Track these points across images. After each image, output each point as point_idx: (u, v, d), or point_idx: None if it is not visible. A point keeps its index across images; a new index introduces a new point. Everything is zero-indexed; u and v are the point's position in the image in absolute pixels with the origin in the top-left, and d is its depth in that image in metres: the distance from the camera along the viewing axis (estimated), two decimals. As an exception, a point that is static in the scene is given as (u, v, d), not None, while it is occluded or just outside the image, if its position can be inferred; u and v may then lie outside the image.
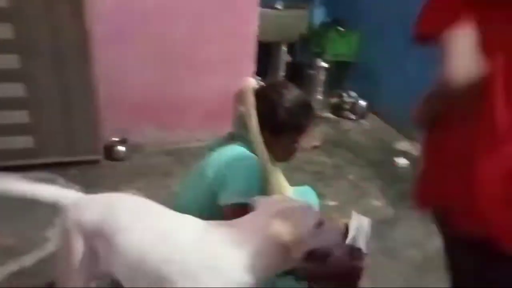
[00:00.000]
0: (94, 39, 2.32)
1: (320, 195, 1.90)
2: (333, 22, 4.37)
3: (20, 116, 2.31)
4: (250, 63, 2.92)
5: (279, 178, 1.38)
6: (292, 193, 1.47)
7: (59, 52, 2.27)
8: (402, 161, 2.97)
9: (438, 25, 0.99)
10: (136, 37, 2.64)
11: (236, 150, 1.33)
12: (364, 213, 2.27)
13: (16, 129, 2.35)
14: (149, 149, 2.79)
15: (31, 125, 2.35)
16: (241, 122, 1.35)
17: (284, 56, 4.73)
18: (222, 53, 2.85)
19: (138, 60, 2.71)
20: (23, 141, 2.37)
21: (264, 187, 1.31)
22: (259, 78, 3.57)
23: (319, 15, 4.69)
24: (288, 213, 1.06)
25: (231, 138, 1.40)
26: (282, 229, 1.01)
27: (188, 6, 2.67)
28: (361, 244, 1.33)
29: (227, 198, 1.25)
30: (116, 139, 2.71)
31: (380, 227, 2.20)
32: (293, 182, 1.85)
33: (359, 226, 1.40)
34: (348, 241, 1.32)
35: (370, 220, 1.43)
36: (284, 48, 4.71)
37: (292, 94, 1.35)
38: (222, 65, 2.88)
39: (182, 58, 2.80)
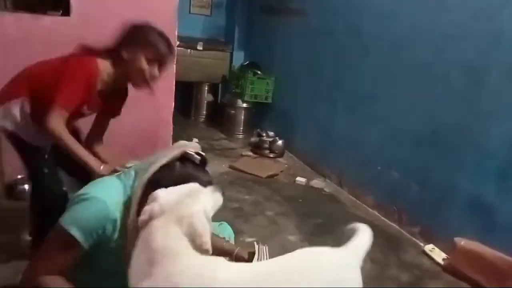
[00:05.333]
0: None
1: (239, 231, 1.93)
2: (251, 65, 4.61)
3: None
4: (169, 100, 2.93)
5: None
6: None
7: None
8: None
9: None
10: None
11: (104, 181, 1.27)
12: (280, 248, 2.36)
13: None
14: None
15: None
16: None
17: (206, 96, 4.84)
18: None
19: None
20: None
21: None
22: (182, 115, 3.59)
23: (238, 58, 4.93)
24: None
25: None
26: None
27: (103, 41, 2.63)
28: None
29: (67, 221, 1.16)
30: (20, 176, 2.50)
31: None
32: (213, 218, 1.87)
33: (260, 254, 1.57)
34: None
35: (267, 247, 1.59)
36: (206, 88, 4.83)
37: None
38: (139, 102, 2.84)
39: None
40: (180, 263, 0.96)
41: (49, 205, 1.77)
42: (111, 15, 2.61)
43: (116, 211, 1.20)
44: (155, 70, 1.74)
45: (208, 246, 1.03)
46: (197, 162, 1.24)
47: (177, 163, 1.22)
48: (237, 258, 1.70)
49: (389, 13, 2.86)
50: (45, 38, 2.49)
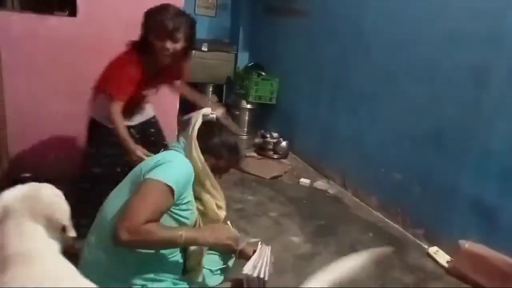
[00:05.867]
0: (3, 67, 2.20)
1: (243, 232, 1.93)
2: (255, 66, 4.62)
3: None
4: (174, 101, 2.94)
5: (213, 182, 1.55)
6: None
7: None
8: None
9: None
10: (49, 67, 2.55)
11: (172, 152, 1.49)
12: (283, 249, 2.36)
13: None
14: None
15: None
16: (182, 135, 1.55)
17: (211, 97, 4.85)
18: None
19: (51, 92, 2.59)
20: None
21: (196, 186, 1.48)
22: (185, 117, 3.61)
23: (243, 59, 4.94)
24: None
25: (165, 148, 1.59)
26: None
27: (105, 40, 2.64)
28: (262, 270, 1.55)
29: (154, 174, 1.33)
30: (27, 175, 2.51)
31: (297, 262, 2.28)
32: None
33: (262, 253, 1.64)
34: (248, 266, 1.54)
35: (270, 247, 1.70)
36: (210, 89, 4.85)
37: (227, 134, 1.61)
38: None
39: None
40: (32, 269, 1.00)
41: (96, 184, 2.06)
42: (117, 16, 2.64)
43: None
44: (167, 44, 1.92)
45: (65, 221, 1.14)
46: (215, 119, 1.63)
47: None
48: (242, 255, 1.74)
49: (392, 13, 2.86)
50: (51, 37, 2.51)
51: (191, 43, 2.05)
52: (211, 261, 1.66)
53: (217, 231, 1.45)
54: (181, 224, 1.43)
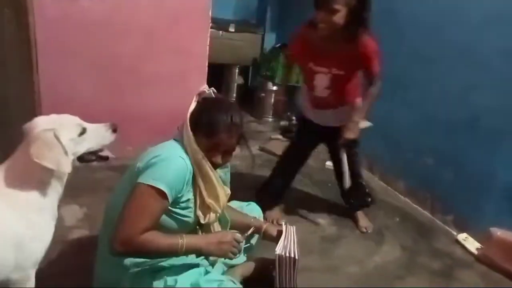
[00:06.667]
0: (38, 48, 2.25)
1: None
2: (283, 47, 4.55)
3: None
4: (201, 81, 2.95)
5: (217, 179, 1.44)
6: (228, 193, 1.56)
7: (1, 61, 2.17)
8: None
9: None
10: (81, 48, 2.59)
11: (168, 145, 1.40)
12: (309, 230, 2.36)
13: None
14: (94, 164, 2.69)
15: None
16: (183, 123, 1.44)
17: (236, 79, 4.83)
18: (172, 68, 2.87)
19: (83, 72, 2.65)
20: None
21: (195, 185, 1.40)
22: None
23: (270, 41, 4.87)
24: (43, 137, 1.21)
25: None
26: (40, 155, 1.18)
27: (136, 21, 2.68)
28: (292, 250, 1.56)
29: (145, 177, 1.29)
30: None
31: (323, 244, 2.29)
32: (240, 199, 1.91)
33: (288, 234, 1.66)
34: (279, 246, 1.57)
35: (294, 227, 1.73)
36: (236, 71, 4.82)
37: (226, 107, 1.42)
38: (171, 81, 2.89)
39: (131, 73, 2.78)
40: None
41: (289, 167, 2.52)
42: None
43: (189, 163, 1.35)
44: (322, 15, 1.89)
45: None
46: (213, 95, 1.48)
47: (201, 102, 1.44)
48: (266, 235, 1.75)
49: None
50: (83, 19, 2.55)
51: (358, 18, 1.87)
52: None
53: (220, 240, 1.41)
54: (182, 223, 1.40)
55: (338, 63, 2.04)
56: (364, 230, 2.44)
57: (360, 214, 2.51)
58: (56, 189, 1.30)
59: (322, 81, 2.13)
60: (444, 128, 2.64)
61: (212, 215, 1.46)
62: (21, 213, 1.21)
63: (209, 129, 1.36)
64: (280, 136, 3.95)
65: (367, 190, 2.51)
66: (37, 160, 1.18)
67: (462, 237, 2.43)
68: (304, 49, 2.12)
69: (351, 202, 2.53)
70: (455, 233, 2.51)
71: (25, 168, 1.22)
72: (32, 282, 1.28)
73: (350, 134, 2.15)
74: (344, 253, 2.22)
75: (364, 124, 2.30)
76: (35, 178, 1.24)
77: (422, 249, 2.35)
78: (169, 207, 1.34)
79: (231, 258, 1.47)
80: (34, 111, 2.29)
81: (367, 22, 1.92)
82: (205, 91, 1.47)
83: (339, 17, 1.84)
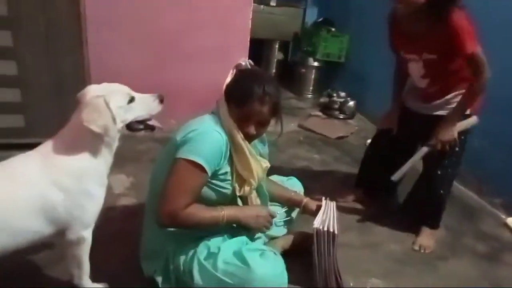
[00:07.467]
0: (87, 22, 2.32)
1: (307, 189, 1.95)
2: (325, 22, 4.43)
3: (12, 95, 2.29)
4: (243, 54, 2.94)
5: (250, 151, 1.44)
6: (266, 165, 1.57)
7: (52, 33, 2.26)
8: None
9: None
10: (129, 22, 2.65)
11: (205, 118, 1.42)
12: (348, 209, 2.34)
13: (7, 108, 2.33)
14: (139, 135, 2.78)
15: (22, 104, 2.34)
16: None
17: (277, 54, 4.77)
18: (215, 42, 2.89)
19: (130, 46, 2.72)
20: (14, 120, 2.35)
21: (232, 158, 1.41)
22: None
23: (311, 15, 4.75)
24: (94, 103, 1.27)
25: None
26: (90, 119, 1.24)
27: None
28: (331, 224, 1.56)
29: (183, 153, 1.32)
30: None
31: (364, 222, 2.26)
32: (282, 173, 1.92)
33: (327, 208, 1.66)
34: (317, 220, 1.57)
35: (335, 203, 1.72)
36: (276, 46, 4.75)
37: (260, 77, 1.40)
38: (214, 55, 2.91)
39: (176, 46, 2.82)
40: None
41: (380, 156, 2.29)
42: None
43: (225, 136, 1.36)
44: None
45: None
46: (249, 66, 1.48)
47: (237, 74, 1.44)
48: (305, 209, 1.75)
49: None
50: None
51: None
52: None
53: (258, 214, 1.47)
54: (221, 194, 1.43)
55: (427, 46, 1.81)
56: (417, 248, 2.05)
57: (425, 230, 2.13)
58: (105, 157, 1.36)
59: (415, 69, 1.96)
60: (496, 108, 2.48)
61: (246, 188, 1.47)
62: (73, 179, 1.28)
63: (241, 98, 1.37)
64: (319, 113, 3.90)
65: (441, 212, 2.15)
66: (87, 124, 1.23)
67: (511, 220, 2.33)
68: (393, 38, 2.01)
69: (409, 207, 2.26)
70: (503, 217, 2.40)
71: (77, 135, 1.29)
72: (88, 243, 1.37)
73: (443, 135, 1.88)
74: (385, 231, 2.19)
75: (465, 123, 1.93)
76: (87, 145, 1.30)
77: (467, 230, 2.27)
78: (209, 179, 1.37)
79: (264, 232, 1.52)
80: (85, 83, 2.37)
81: None
82: (241, 64, 1.47)
83: None
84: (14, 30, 2.18)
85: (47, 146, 1.30)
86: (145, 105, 1.42)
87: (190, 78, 2.93)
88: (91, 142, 1.30)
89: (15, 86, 2.28)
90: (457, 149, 1.94)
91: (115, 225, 1.88)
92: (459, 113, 1.89)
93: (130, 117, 1.39)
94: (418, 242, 2.08)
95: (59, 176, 1.25)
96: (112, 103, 1.29)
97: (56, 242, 1.33)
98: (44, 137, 2.43)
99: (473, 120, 1.95)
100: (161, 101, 1.46)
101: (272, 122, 1.47)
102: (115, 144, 1.38)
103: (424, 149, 1.98)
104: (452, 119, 1.88)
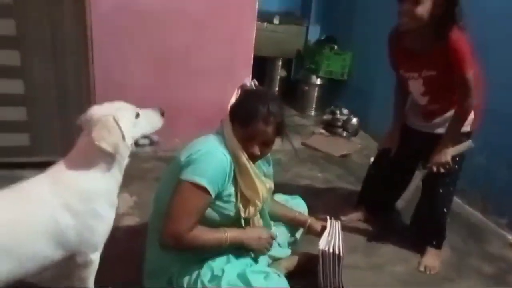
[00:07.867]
0: (94, 39, 2.35)
1: (310, 207, 1.94)
2: (328, 40, 4.47)
3: (17, 113, 2.31)
4: (247, 73, 2.97)
5: (255, 171, 1.44)
6: (270, 186, 1.57)
7: (59, 51, 2.30)
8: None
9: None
10: (135, 40, 2.69)
11: (209, 138, 1.42)
12: (353, 229, 2.32)
13: (12, 126, 2.34)
14: (142, 154, 2.80)
15: (27, 123, 2.35)
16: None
17: (279, 72, 4.81)
18: (218, 60, 2.92)
19: (136, 64, 2.75)
20: (19, 139, 2.37)
21: (236, 179, 1.41)
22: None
23: (314, 33, 4.80)
24: (103, 121, 1.28)
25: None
26: (101, 138, 1.24)
27: (188, 13, 2.74)
28: (337, 245, 1.57)
29: (187, 174, 1.31)
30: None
31: (368, 243, 2.24)
32: (286, 192, 1.92)
33: (332, 229, 1.66)
34: (323, 242, 1.58)
35: (339, 222, 1.73)
36: (279, 64, 4.79)
37: (265, 98, 1.41)
38: (218, 73, 2.94)
39: (180, 64, 2.85)
40: None
41: (384, 175, 2.25)
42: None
43: (229, 157, 1.36)
44: (406, 5, 1.75)
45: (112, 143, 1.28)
46: (254, 86, 1.49)
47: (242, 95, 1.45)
48: (310, 229, 1.75)
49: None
50: (138, 11, 2.66)
51: (445, 11, 1.70)
52: (279, 234, 1.67)
53: (260, 236, 1.48)
54: (224, 216, 1.43)
55: (427, 63, 1.84)
56: (422, 269, 2.04)
57: (430, 250, 2.12)
58: (116, 176, 1.36)
59: (415, 87, 1.99)
60: (501, 124, 2.49)
61: (251, 209, 1.47)
62: (85, 201, 1.27)
63: (245, 118, 1.38)
64: (323, 131, 3.90)
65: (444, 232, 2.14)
66: (98, 143, 1.24)
67: (518, 241, 2.31)
68: (394, 56, 2.05)
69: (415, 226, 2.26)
70: (510, 237, 2.38)
71: (88, 155, 1.29)
72: (95, 265, 1.36)
73: (437, 159, 1.91)
74: (390, 251, 2.17)
75: (460, 148, 1.95)
76: (98, 164, 1.30)
77: (473, 251, 2.25)
78: (212, 200, 1.37)
79: (264, 254, 1.53)
80: (89, 101, 2.40)
81: (457, 16, 1.72)
82: (246, 84, 1.49)
83: (424, 9, 1.68)
84: (22, 50, 2.21)
85: (57, 169, 1.30)
86: (150, 120, 1.45)
87: (194, 96, 2.96)
88: (102, 161, 1.30)
89: (21, 104, 2.31)
90: (456, 166, 1.97)
91: (118, 245, 1.86)
92: (452, 138, 1.92)
93: (138, 132, 1.40)
94: (423, 263, 2.07)
95: (71, 200, 1.25)
96: (121, 120, 1.31)
97: (63, 262, 1.31)
98: (48, 156, 2.44)
99: (468, 144, 1.98)
100: (162, 114, 1.49)
101: (278, 141, 1.48)
102: (125, 161, 1.39)
103: (421, 173, 2.04)
104: (444, 144, 1.91)
